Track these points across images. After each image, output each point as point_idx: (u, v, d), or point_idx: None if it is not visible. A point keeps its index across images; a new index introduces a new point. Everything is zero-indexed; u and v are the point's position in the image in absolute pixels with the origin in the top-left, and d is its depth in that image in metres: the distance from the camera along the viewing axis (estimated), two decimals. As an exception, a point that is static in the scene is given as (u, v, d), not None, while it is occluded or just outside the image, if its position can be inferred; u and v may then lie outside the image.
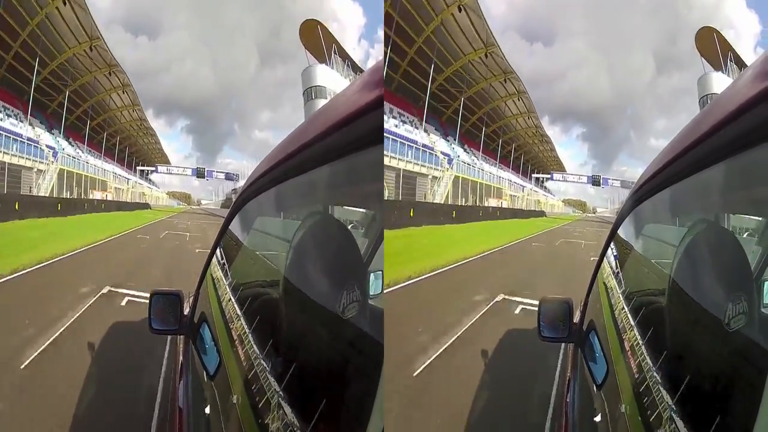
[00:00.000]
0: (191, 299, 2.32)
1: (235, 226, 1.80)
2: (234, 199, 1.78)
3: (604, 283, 2.17)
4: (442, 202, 31.52)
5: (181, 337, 2.32)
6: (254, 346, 1.43)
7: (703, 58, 32.72)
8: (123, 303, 7.26)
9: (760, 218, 1.32)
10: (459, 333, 6.29)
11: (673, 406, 1.18)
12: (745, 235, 1.28)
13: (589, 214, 49.47)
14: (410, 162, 30.06)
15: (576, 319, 2.27)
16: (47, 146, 30.25)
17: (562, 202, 52.26)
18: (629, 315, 1.74)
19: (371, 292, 1.25)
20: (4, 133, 26.32)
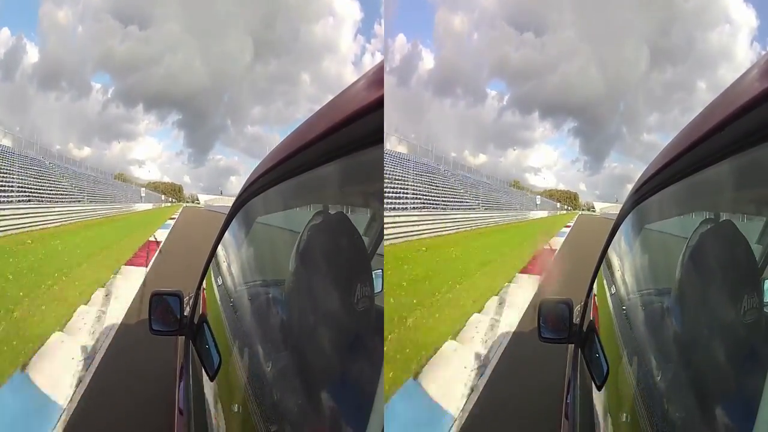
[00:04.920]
0: (191, 300, 2.31)
1: (235, 226, 1.79)
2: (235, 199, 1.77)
3: (604, 283, 2.16)
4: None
5: (182, 338, 2.31)
6: (255, 347, 1.43)
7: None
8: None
9: (762, 217, 1.32)
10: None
11: (674, 407, 1.17)
12: (746, 234, 1.28)
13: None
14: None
15: (576, 319, 2.27)
16: None
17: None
18: (629, 315, 1.74)
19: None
20: None
